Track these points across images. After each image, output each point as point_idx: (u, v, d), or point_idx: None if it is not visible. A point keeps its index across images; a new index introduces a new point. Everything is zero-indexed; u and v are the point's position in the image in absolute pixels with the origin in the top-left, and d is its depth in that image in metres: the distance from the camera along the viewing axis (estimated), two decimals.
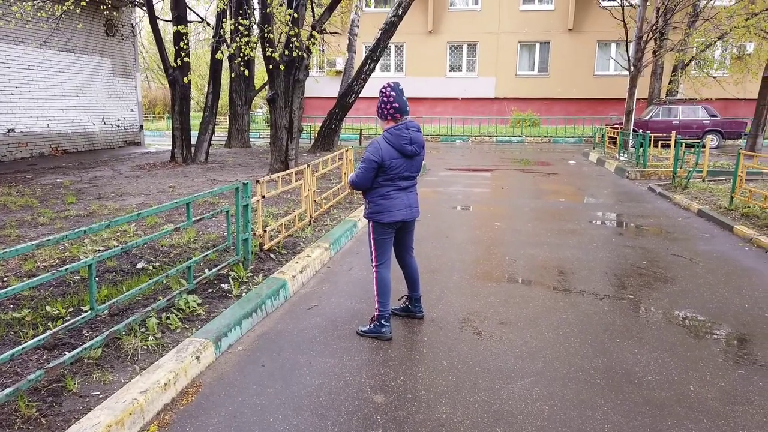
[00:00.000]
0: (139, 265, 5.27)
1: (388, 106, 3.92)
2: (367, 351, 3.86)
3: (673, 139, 12.10)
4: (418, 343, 3.99)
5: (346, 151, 9.26)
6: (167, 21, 14.62)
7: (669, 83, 21.83)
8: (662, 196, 10.08)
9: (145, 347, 3.62)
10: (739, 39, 16.97)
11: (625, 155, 14.76)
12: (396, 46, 26.39)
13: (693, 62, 21.08)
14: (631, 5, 17.09)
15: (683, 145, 11.10)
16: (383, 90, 3.96)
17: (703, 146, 11.53)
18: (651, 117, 18.45)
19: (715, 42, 19.01)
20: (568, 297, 4.94)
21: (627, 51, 16.23)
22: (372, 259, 4.14)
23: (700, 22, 18.10)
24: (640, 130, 14.95)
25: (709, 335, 4.16)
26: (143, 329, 3.83)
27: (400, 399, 3.25)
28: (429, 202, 9.20)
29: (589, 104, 25.44)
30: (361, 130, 21.01)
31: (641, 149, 13.09)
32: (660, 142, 14.21)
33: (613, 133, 16.61)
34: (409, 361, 3.71)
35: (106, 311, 3.79)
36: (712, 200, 9.05)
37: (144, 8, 14.46)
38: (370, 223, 4.09)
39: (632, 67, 15.90)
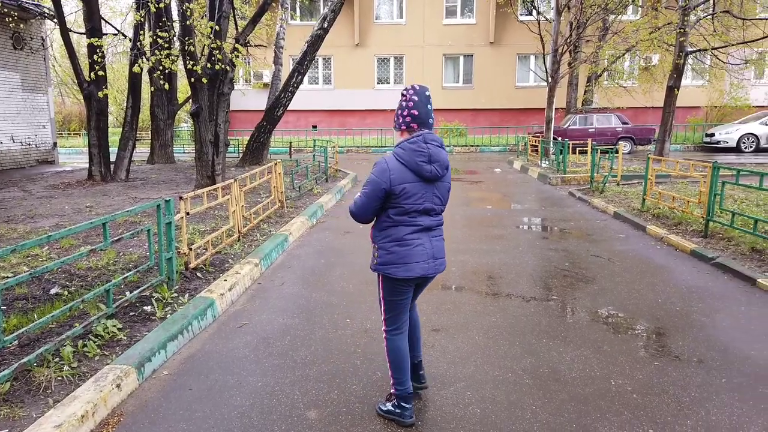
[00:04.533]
0: (53, 291, 4.95)
1: (405, 112, 2.98)
2: (300, 366, 3.79)
3: (589, 146, 12.76)
4: (351, 355, 3.96)
5: (276, 164, 9.14)
6: (81, 33, 13.93)
7: (584, 93, 23.12)
8: (581, 200, 10.58)
9: (59, 378, 3.39)
10: (645, 51, 18.23)
11: (547, 162, 15.40)
12: (324, 58, 26.41)
13: (605, 73, 22.45)
14: (547, 20, 17.97)
15: (599, 151, 11.73)
16: (404, 93, 3.01)
17: (617, 152, 12.23)
18: (569, 125, 19.37)
19: (623, 54, 20.33)
20: (497, 301, 5.07)
21: (544, 63, 17.02)
22: (382, 321, 3.19)
23: (609, 36, 19.27)
24: (560, 138, 15.64)
25: (627, 331, 4.38)
26: (57, 359, 3.58)
27: (334, 414, 3.21)
28: None
29: (512, 114, 26.41)
30: (291, 143, 20.78)
31: (561, 156, 13.71)
32: (578, 149, 14.95)
33: (535, 142, 17.32)
34: (342, 374, 3.68)
35: (15, 342, 3.53)
36: (627, 202, 9.59)
37: (54, 20, 13.74)
38: (380, 277, 3.09)
39: (550, 78, 16.67)
